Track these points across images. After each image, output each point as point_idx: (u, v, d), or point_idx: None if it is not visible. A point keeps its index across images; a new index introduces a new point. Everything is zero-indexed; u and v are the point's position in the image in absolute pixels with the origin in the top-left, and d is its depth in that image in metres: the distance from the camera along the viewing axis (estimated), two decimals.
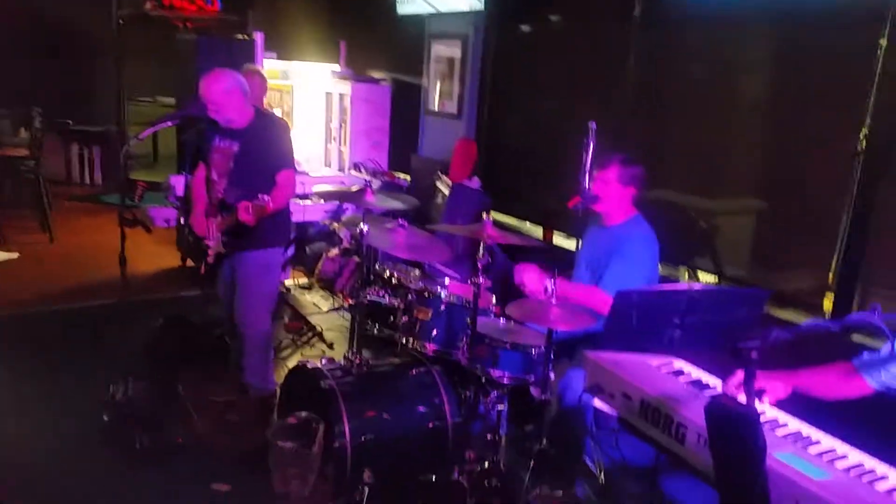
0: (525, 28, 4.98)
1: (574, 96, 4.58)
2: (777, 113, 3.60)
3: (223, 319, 3.88)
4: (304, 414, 2.74)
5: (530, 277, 3.22)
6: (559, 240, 4.51)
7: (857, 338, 2.98)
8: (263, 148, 3.41)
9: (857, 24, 3.13)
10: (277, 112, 5.93)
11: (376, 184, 5.01)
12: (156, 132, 8.46)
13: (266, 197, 3.14)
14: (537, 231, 4.73)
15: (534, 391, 3.10)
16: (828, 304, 3.31)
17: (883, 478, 1.73)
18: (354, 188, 3.18)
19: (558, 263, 3.60)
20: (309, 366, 3.03)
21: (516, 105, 5.10)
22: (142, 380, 3.50)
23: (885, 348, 2.22)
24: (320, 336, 4.64)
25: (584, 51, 4.57)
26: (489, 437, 3.10)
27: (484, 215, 2.72)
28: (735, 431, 1.50)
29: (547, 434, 2.88)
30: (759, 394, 2.05)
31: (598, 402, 3.01)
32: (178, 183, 4.59)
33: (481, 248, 2.64)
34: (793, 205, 3.52)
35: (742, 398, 1.60)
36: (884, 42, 2.98)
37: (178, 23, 7.71)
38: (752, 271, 3.71)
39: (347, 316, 4.91)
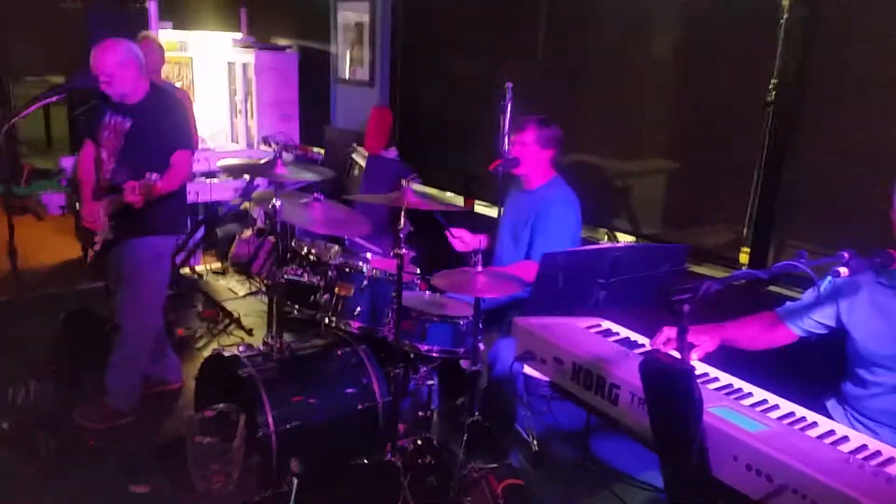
0: None
1: (489, 58, 4.48)
2: (687, 70, 3.61)
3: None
4: (221, 405, 2.59)
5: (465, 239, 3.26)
6: (481, 208, 4.44)
7: (779, 291, 3.05)
8: (158, 125, 3.16)
9: None
10: (178, 86, 5.58)
11: (288, 158, 4.79)
12: (48, 113, 7.92)
13: (154, 175, 2.90)
14: (458, 201, 4.65)
15: (464, 363, 3.04)
16: (744, 257, 3.37)
17: (814, 424, 1.75)
18: (264, 161, 2.99)
19: (481, 231, 3.57)
20: (225, 354, 2.86)
21: (431, 70, 4.96)
22: (45, 381, 3.25)
23: (807, 295, 2.26)
24: (238, 323, 4.44)
25: (497, 10, 4.46)
26: (420, 413, 3.03)
27: (403, 182, 2.60)
28: (671, 387, 1.46)
29: (479, 406, 2.83)
30: (689, 349, 2.04)
31: (529, 369, 3.00)
32: (69, 165, 4.25)
33: (402, 218, 2.52)
34: (706, 162, 3.55)
35: (674, 353, 1.57)
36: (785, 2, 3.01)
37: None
38: (668, 229, 3.75)
39: (266, 299, 4.71)
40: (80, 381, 3.47)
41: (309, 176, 2.97)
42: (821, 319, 2.20)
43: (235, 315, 4.49)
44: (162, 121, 3.18)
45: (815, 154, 3.10)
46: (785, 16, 3.03)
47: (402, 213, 2.51)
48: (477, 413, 2.81)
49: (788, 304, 2.31)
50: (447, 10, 4.82)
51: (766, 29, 3.09)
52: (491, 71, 4.37)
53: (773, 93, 3.11)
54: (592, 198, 3.40)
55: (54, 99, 3.36)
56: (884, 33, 2.82)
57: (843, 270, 1.83)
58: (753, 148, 3.20)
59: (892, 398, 2.05)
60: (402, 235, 2.54)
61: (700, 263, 3.48)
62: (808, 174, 3.13)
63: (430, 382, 3.04)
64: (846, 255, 1.84)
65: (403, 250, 2.54)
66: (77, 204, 3.59)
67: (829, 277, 1.81)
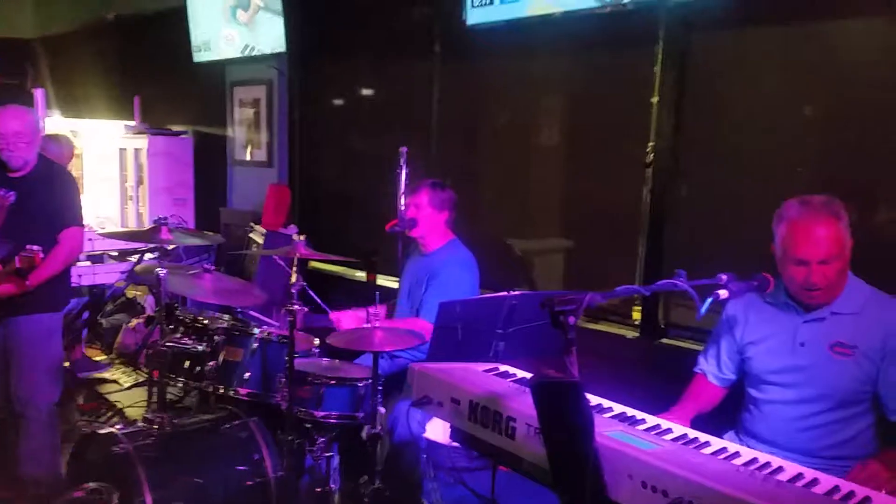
0: (330, 68, 4.93)
1: (384, 136, 4.58)
2: (573, 145, 3.80)
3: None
4: (92, 484, 2.35)
5: (347, 321, 3.15)
6: (384, 281, 4.39)
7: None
8: (46, 200, 3.04)
9: (635, 51, 3.40)
10: None
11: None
12: None
13: (35, 247, 2.76)
14: (361, 275, 4.59)
15: (364, 433, 2.90)
16: (637, 314, 3.46)
17: (707, 444, 1.74)
18: (148, 228, 2.86)
19: (384, 301, 3.52)
20: (100, 431, 2.61)
21: (329, 148, 5.01)
22: None
23: (710, 348, 2.33)
24: (121, 414, 4.13)
25: (391, 89, 4.61)
26: (318, 490, 2.84)
27: (295, 236, 2.53)
28: (561, 401, 1.43)
29: (380, 473, 2.68)
30: None
31: (431, 433, 2.89)
32: None
33: (294, 273, 2.44)
34: (596, 227, 3.69)
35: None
36: (657, 69, 3.25)
37: None
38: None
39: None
40: None
41: (194, 241, 2.86)
42: (732, 357, 2.26)
43: (118, 407, 4.18)
44: (50, 195, 3.06)
45: (696, 207, 3.29)
46: (657, 83, 3.26)
47: (294, 268, 2.43)
48: (378, 482, 2.67)
49: (701, 360, 2.37)
50: (343, 88, 4.95)
51: (642, 98, 3.30)
52: (388, 148, 4.44)
53: (651, 154, 3.30)
54: (491, 266, 3.45)
55: None
56: (746, 91, 3.09)
57: (723, 293, 1.89)
58: (637, 210, 3.35)
59: (778, 414, 2.11)
60: (294, 291, 2.45)
61: (597, 321, 3.54)
62: (690, 227, 3.29)
63: (327, 454, 2.87)
64: (724, 277, 1.91)
65: (296, 306, 2.45)
66: None
67: (710, 299, 1.85)
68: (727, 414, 2.37)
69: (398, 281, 3.55)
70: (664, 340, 3.29)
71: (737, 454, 1.68)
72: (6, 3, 7.33)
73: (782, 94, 3.01)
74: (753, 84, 3.09)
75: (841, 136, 2.90)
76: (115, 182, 5.76)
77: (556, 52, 3.70)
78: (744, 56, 3.12)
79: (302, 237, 2.52)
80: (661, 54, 3.22)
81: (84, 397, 4.39)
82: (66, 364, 4.79)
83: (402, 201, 3.16)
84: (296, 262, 2.45)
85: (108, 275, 4.65)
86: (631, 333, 3.41)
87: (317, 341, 3.17)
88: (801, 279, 2.03)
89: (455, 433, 2.03)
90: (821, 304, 2.08)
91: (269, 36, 4.71)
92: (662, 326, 3.34)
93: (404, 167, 3.17)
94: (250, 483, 2.67)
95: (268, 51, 4.72)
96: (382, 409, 2.71)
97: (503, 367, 2.23)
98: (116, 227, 5.65)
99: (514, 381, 2.07)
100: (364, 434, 2.78)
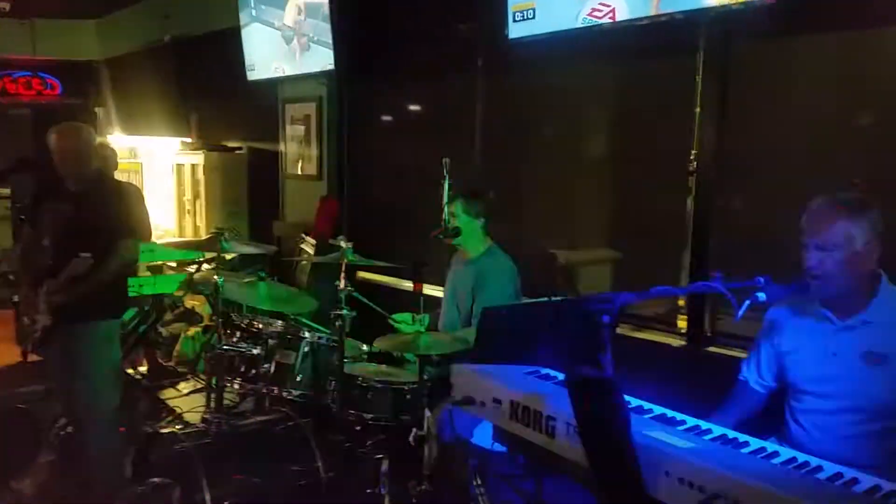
0: (376, 84, 5.08)
1: (429, 148, 4.67)
2: (616, 155, 3.83)
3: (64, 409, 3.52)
4: (156, 480, 2.48)
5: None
6: (430, 290, 4.48)
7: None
8: (100, 212, 3.20)
9: (677, 61, 3.43)
10: None
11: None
12: None
13: (86, 254, 2.92)
14: (408, 285, 4.69)
15: (411, 436, 2.98)
16: (682, 323, 3.46)
17: (746, 444, 1.76)
18: (206, 238, 3.01)
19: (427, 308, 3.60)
20: (162, 431, 2.76)
21: (376, 161, 5.16)
22: None
23: (751, 354, 2.33)
24: (180, 418, 4.29)
25: (436, 103, 4.72)
26: (368, 491, 2.92)
27: (343, 243, 2.65)
28: (598, 398, 1.48)
29: (429, 476, 2.75)
30: None
31: (476, 437, 2.94)
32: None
33: (342, 278, 2.55)
34: (640, 240, 3.70)
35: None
36: (699, 79, 3.27)
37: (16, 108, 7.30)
38: None
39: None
40: (4, 481, 3.31)
41: (248, 249, 3.00)
42: (770, 365, 2.27)
43: (178, 411, 4.35)
44: (105, 208, 3.22)
45: (741, 216, 3.28)
46: (699, 93, 3.28)
47: (342, 273, 2.54)
48: (427, 484, 2.73)
49: (744, 366, 2.37)
50: (389, 104, 5.09)
51: (685, 108, 3.31)
52: (432, 161, 4.55)
53: (694, 163, 3.31)
54: (536, 275, 3.50)
55: None
56: (789, 100, 3.09)
57: (761, 295, 1.91)
58: (681, 220, 3.35)
59: (818, 424, 2.10)
60: (342, 296, 2.55)
61: (641, 330, 3.55)
62: (735, 237, 3.28)
63: (377, 457, 2.95)
64: (762, 280, 1.93)
65: (344, 311, 2.55)
66: (15, 296, 3.55)
67: (748, 302, 1.88)
68: (771, 420, 2.37)
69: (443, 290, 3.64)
70: (712, 349, 3.27)
71: (776, 454, 1.70)
72: (72, 28, 7.75)
73: (825, 102, 3.00)
74: (796, 93, 3.08)
75: (888, 144, 2.86)
76: (172, 196, 6.02)
77: (598, 63, 3.74)
78: (786, 65, 3.11)
79: (349, 244, 2.63)
80: (702, 64, 3.24)
81: (145, 402, 4.56)
82: (137, 372, 5.03)
83: (446, 210, 3.27)
84: (343, 268, 2.55)
85: (168, 284, 4.86)
86: (677, 342, 3.41)
87: (365, 347, 3.28)
88: (804, 263, 2.00)
89: (497, 433, 2.09)
90: (823, 295, 2.04)
91: (319, 56, 4.89)
92: (709, 335, 3.33)
93: (447, 177, 3.28)
94: (303, 483, 2.77)
95: (317, 69, 4.90)
96: (428, 412, 2.79)
97: (544, 370, 2.28)
98: (175, 240, 5.90)
99: (555, 383, 2.12)
100: (412, 437, 2.87)
